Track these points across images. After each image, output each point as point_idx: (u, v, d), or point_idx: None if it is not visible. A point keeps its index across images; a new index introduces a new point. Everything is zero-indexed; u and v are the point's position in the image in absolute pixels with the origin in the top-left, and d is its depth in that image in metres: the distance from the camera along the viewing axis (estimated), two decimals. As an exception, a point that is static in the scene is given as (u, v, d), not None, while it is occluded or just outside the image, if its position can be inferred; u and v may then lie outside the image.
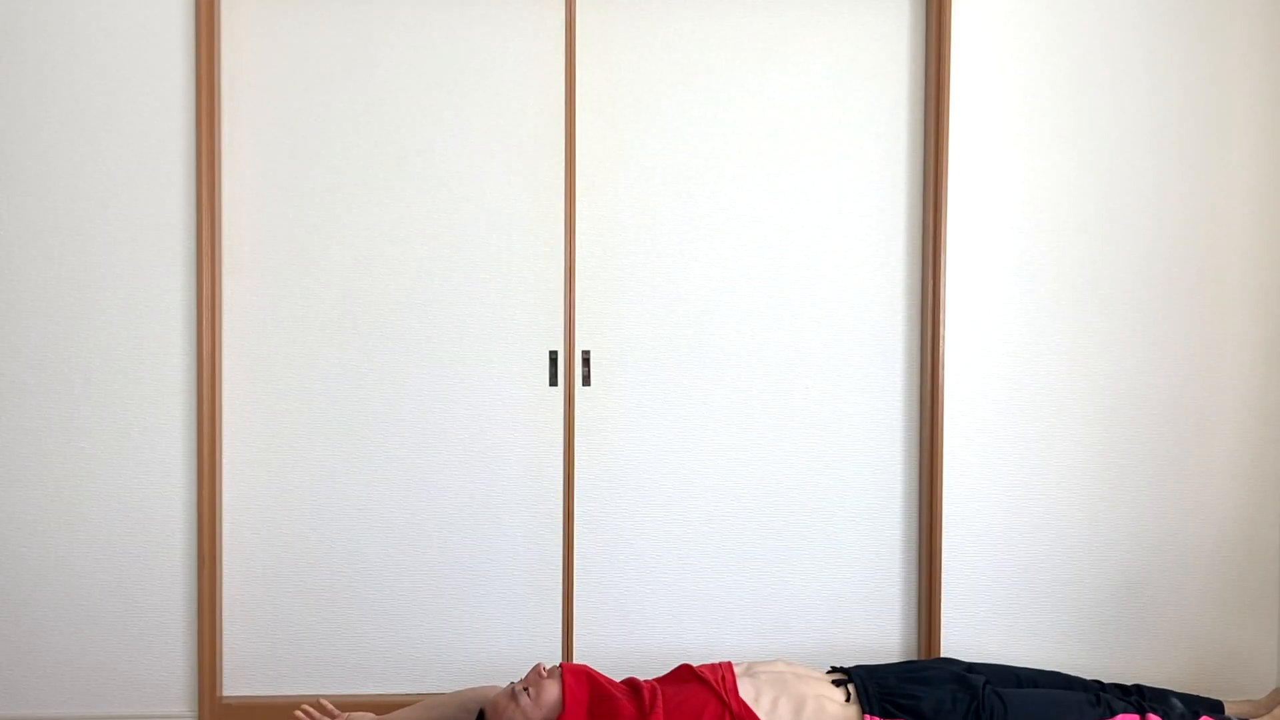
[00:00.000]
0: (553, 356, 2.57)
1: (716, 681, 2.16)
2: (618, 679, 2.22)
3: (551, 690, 2.11)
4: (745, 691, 2.15)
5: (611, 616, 2.62)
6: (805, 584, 2.64)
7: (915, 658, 2.65)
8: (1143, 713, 2.20)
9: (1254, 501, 2.67)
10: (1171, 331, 2.64)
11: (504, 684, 2.27)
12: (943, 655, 2.60)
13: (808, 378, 2.62)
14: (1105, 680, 2.51)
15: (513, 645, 2.58)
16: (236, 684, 2.55)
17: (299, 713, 2.20)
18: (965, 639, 2.63)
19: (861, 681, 2.22)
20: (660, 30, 2.58)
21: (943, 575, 2.60)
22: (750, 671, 2.23)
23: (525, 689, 2.11)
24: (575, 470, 2.58)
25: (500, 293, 2.56)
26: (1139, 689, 2.34)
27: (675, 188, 2.59)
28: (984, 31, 2.59)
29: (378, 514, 2.56)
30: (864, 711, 2.15)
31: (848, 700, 2.18)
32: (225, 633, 2.54)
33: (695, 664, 2.26)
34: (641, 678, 2.23)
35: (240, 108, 2.52)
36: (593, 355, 2.59)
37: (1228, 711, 2.36)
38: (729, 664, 2.24)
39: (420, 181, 2.55)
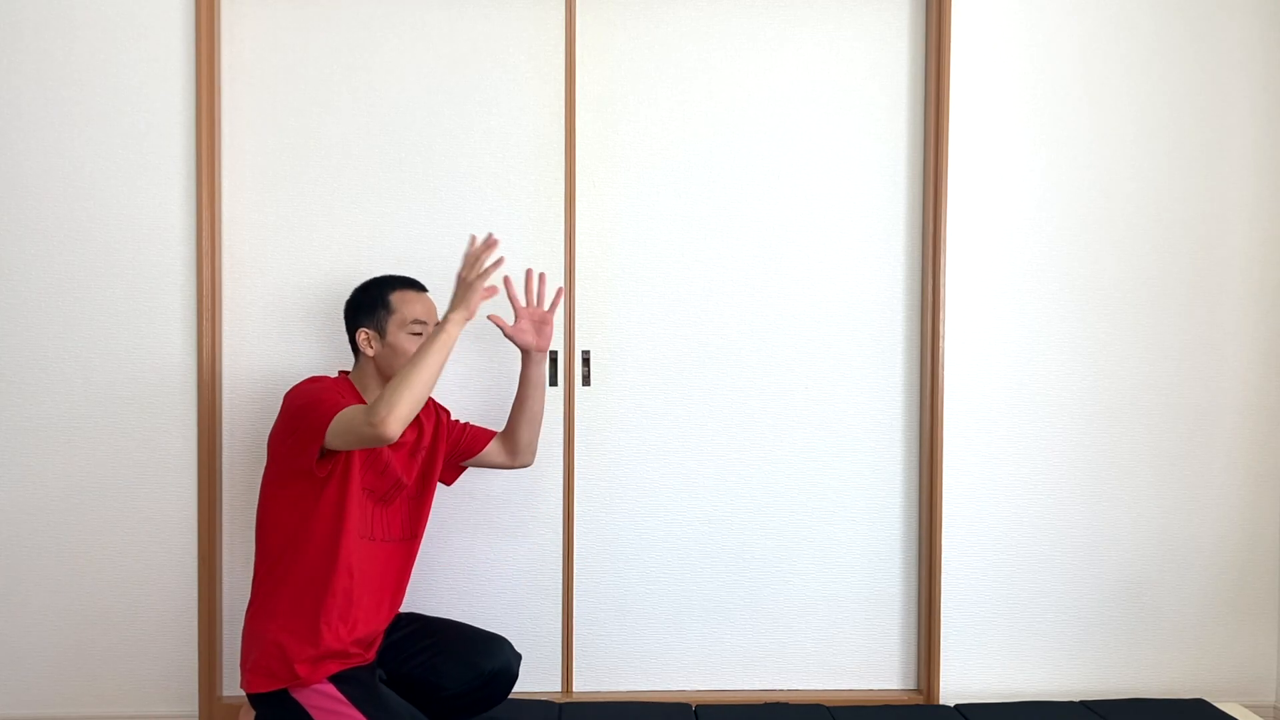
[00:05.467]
0: (553, 356, 2.57)
1: None
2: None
3: None
4: None
5: (611, 616, 2.62)
6: (805, 584, 2.64)
7: (915, 659, 2.65)
8: None
9: (1254, 501, 2.67)
10: (1171, 331, 2.63)
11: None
12: (943, 657, 2.60)
13: (808, 378, 2.62)
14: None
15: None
16: (237, 684, 2.55)
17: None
18: (965, 640, 2.63)
19: None
20: (660, 30, 2.58)
21: (942, 576, 2.60)
22: None
23: None
24: (575, 470, 2.58)
25: (500, 293, 2.55)
26: None
27: (675, 188, 2.59)
28: (984, 31, 2.59)
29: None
30: None
31: None
32: (225, 633, 2.54)
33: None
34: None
35: (240, 108, 2.52)
36: (593, 355, 2.59)
37: None
38: None
39: (420, 181, 2.55)
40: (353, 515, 2.09)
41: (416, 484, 2.26)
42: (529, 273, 2.40)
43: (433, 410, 2.36)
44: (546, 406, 2.56)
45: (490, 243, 2.05)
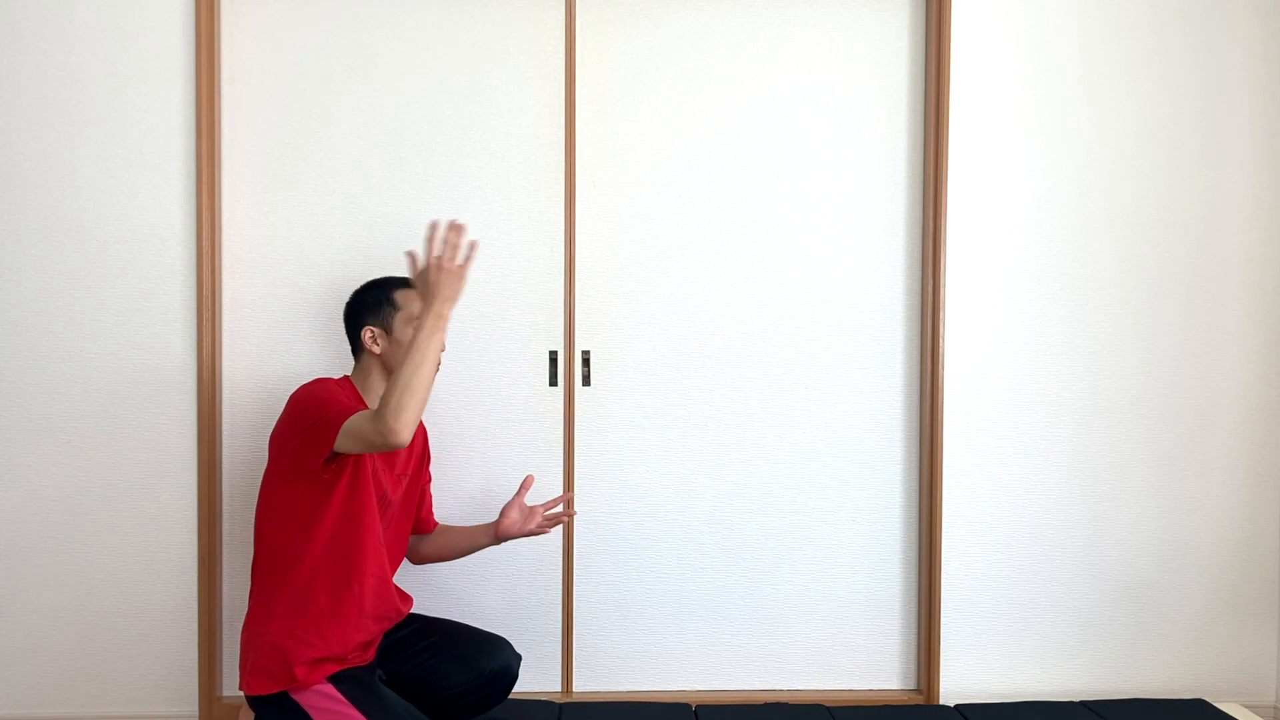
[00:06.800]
0: (553, 356, 2.57)
1: None
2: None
3: None
4: None
5: (611, 616, 2.62)
6: (805, 584, 2.64)
7: (915, 659, 2.65)
8: None
9: (1254, 501, 2.67)
10: (1171, 332, 2.64)
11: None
12: (943, 657, 2.60)
13: (807, 378, 2.62)
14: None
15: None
16: (236, 684, 2.55)
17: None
18: (965, 640, 2.63)
19: None
20: (660, 31, 2.58)
21: (942, 576, 2.60)
22: None
23: None
24: (575, 470, 2.58)
25: (500, 293, 2.56)
26: None
27: (675, 188, 2.59)
28: (984, 32, 2.59)
29: (378, 514, 2.55)
30: None
31: None
32: (225, 633, 2.54)
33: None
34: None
35: (240, 108, 2.52)
36: (593, 355, 2.59)
37: None
38: None
39: (420, 181, 2.55)
40: (369, 523, 2.08)
41: (401, 507, 2.24)
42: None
43: (424, 446, 2.35)
44: (546, 406, 2.57)
45: (459, 226, 2.01)
